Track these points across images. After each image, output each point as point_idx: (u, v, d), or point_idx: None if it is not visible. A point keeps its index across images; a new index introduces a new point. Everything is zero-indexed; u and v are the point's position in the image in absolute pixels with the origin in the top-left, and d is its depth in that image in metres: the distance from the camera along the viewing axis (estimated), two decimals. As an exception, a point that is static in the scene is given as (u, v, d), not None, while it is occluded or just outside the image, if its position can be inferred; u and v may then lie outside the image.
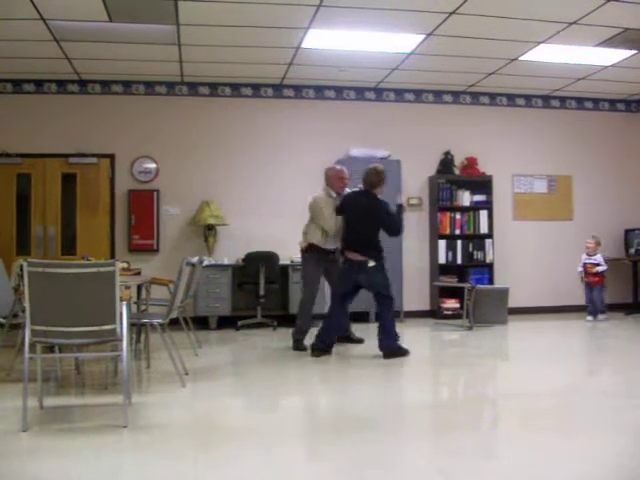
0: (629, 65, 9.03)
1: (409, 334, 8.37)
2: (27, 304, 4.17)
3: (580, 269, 9.78)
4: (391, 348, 6.77)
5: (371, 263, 6.78)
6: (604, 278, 9.76)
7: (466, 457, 3.66)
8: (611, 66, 9.10)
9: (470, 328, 8.78)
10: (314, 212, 7.27)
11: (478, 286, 9.29)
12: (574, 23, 7.46)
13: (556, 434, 4.08)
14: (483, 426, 4.56)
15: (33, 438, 3.98)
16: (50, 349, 5.35)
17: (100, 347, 5.30)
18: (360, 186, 7.16)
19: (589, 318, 9.59)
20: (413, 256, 10.16)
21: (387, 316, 6.91)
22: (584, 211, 10.87)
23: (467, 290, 9.08)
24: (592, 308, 9.64)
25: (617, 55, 8.62)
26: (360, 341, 7.59)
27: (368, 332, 7.88)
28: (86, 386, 5.62)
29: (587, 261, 9.74)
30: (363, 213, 6.89)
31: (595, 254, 9.73)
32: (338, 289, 7.16)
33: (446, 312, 9.76)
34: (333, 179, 7.40)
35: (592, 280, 9.68)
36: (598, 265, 9.65)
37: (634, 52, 8.46)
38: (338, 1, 6.83)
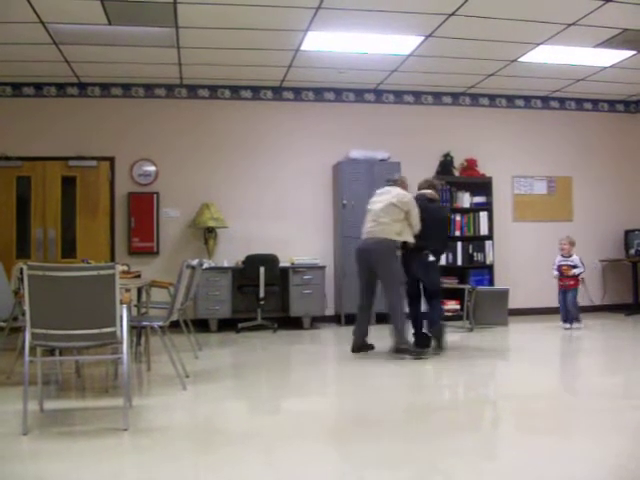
0: (628, 66, 9.03)
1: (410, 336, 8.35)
2: (27, 307, 4.17)
3: (555, 272, 9.07)
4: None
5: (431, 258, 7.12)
6: (579, 281, 9.11)
7: (466, 458, 3.66)
8: (610, 67, 9.11)
9: (471, 330, 8.78)
10: (412, 210, 7.01)
11: (478, 287, 9.30)
12: (573, 24, 7.46)
13: (555, 435, 4.08)
14: (483, 427, 4.56)
15: (34, 441, 3.97)
16: (50, 352, 5.35)
17: (100, 350, 5.29)
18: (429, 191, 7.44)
19: (567, 325, 8.87)
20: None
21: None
22: (584, 212, 10.87)
23: (467, 291, 9.08)
24: (567, 314, 8.94)
25: (616, 56, 8.63)
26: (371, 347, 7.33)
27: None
28: (86, 389, 5.62)
29: (563, 263, 9.04)
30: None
31: (571, 255, 9.04)
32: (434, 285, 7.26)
33: (447, 313, 9.72)
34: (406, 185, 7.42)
35: (567, 283, 8.98)
36: (575, 267, 8.95)
37: (633, 53, 8.47)
38: (337, 3, 6.84)
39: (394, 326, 6.88)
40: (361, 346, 7.15)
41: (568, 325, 8.86)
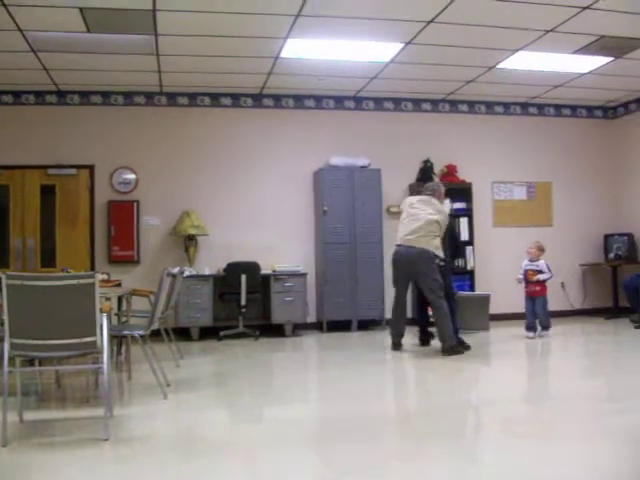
0: (606, 72, 9.12)
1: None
2: (6, 317, 4.13)
3: (520, 276, 8.73)
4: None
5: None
6: (546, 288, 8.69)
7: (450, 463, 3.66)
8: (588, 73, 9.18)
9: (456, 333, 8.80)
10: (445, 226, 7.65)
11: (459, 293, 9.31)
12: (551, 31, 7.52)
13: (539, 439, 4.09)
14: (466, 432, 4.56)
15: (13, 453, 3.93)
16: (30, 362, 5.30)
17: (81, 359, 5.25)
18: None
19: (530, 334, 8.53)
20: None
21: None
22: (563, 217, 10.94)
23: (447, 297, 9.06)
24: (532, 322, 8.59)
25: (594, 62, 8.70)
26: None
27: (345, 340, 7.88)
28: (67, 399, 5.57)
29: (528, 267, 8.68)
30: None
31: (538, 260, 8.68)
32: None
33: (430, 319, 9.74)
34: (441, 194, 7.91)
35: (533, 289, 8.63)
36: (540, 272, 8.58)
37: (610, 59, 8.55)
38: (316, 11, 6.85)
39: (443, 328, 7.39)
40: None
41: (532, 334, 8.52)
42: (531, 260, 8.73)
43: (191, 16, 6.91)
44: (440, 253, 7.47)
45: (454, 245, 8.23)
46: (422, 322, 8.16)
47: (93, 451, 3.95)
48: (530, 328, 8.59)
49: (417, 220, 7.44)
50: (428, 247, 7.35)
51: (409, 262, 7.43)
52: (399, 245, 7.57)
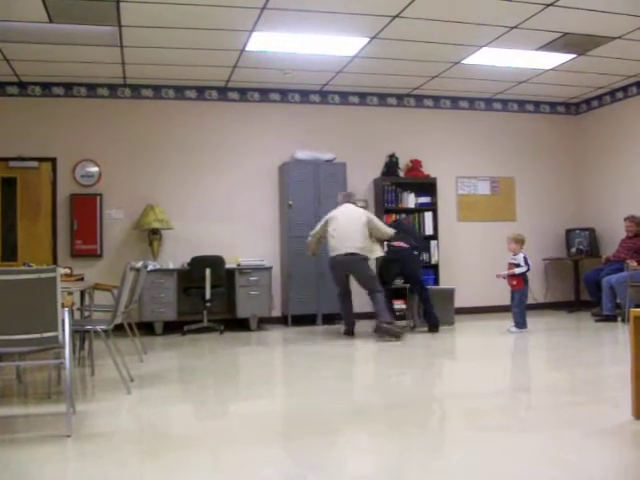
0: (569, 69, 9.23)
1: (358, 336, 8.40)
2: (-35, 312, 4.06)
3: (503, 272, 8.58)
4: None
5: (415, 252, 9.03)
6: (523, 282, 8.46)
7: (415, 457, 3.68)
8: (551, 70, 9.28)
9: (413, 328, 8.85)
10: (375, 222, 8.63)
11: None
12: (515, 27, 7.58)
13: (503, 432, 4.13)
14: (431, 425, 4.58)
15: (-27, 450, 3.87)
16: (-10, 358, 5.22)
17: (42, 355, 5.19)
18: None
19: (513, 329, 8.45)
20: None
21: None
22: (526, 212, 11.06)
23: (409, 291, 9.13)
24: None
25: (557, 59, 8.80)
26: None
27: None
28: (28, 395, 5.49)
29: (510, 261, 8.50)
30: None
31: (517, 254, 8.44)
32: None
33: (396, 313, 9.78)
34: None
35: (512, 283, 8.46)
36: (518, 266, 8.38)
37: (573, 56, 8.65)
38: (282, 4, 6.83)
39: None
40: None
41: (515, 329, 8.42)
42: (513, 254, 8.50)
43: (155, 7, 6.84)
44: (377, 253, 8.45)
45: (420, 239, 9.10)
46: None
47: (55, 448, 3.90)
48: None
49: (349, 230, 8.27)
50: (366, 252, 8.28)
51: (346, 269, 8.39)
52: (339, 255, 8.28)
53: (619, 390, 4.75)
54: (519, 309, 8.48)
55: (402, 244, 8.75)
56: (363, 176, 10.33)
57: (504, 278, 8.59)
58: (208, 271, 8.90)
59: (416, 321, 8.94)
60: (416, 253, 9.01)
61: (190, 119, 9.88)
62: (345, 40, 8.06)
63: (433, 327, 8.62)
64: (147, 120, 9.73)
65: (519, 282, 8.46)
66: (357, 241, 8.21)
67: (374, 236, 8.49)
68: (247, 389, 5.88)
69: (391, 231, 8.67)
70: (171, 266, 9.29)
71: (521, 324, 8.44)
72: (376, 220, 8.60)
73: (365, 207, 9.46)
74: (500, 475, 3.35)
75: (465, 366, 6.79)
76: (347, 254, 8.18)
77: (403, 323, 9.03)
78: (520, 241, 8.55)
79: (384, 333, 8.05)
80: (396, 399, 5.24)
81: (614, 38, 7.96)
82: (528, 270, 8.47)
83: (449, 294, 9.41)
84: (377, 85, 10.11)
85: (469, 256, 10.71)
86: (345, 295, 8.60)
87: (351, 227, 8.27)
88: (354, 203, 8.67)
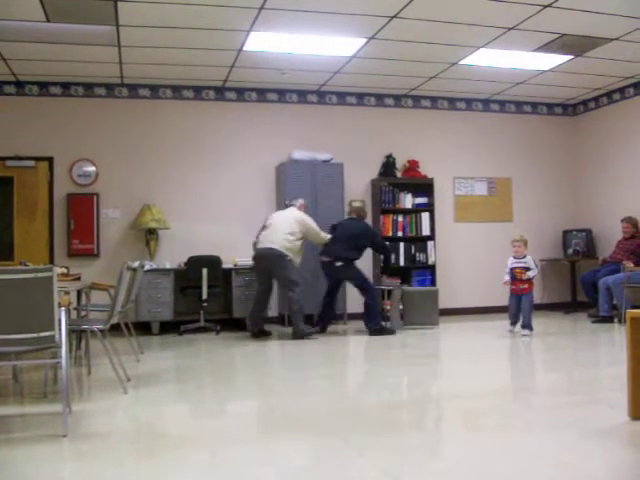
0: (566, 70, 9.24)
1: (358, 336, 8.40)
2: (-38, 312, 4.05)
3: (507, 276, 8.28)
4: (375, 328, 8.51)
5: (338, 263, 8.63)
6: (533, 285, 8.33)
7: (411, 457, 3.67)
8: (549, 71, 9.30)
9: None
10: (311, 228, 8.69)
11: (404, 288, 9.33)
12: (513, 28, 7.59)
13: (500, 432, 4.13)
14: (427, 426, 4.58)
15: (-31, 450, 3.86)
16: (-14, 357, 5.21)
17: (39, 354, 5.18)
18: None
19: (511, 328, 8.40)
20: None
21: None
22: (523, 213, 11.07)
23: (387, 292, 9.12)
24: (516, 317, 8.33)
25: (554, 60, 8.81)
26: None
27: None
28: (25, 395, 5.48)
29: (516, 265, 8.19)
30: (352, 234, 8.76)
31: (524, 256, 8.21)
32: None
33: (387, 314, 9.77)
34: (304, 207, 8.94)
35: (521, 287, 8.18)
36: (528, 270, 8.15)
37: (570, 57, 8.66)
38: (279, 4, 6.83)
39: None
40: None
41: (512, 328, 8.37)
42: (516, 257, 8.24)
43: (153, 7, 6.84)
44: (296, 260, 8.48)
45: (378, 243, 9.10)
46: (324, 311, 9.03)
47: (51, 447, 3.89)
48: (514, 323, 8.38)
49: (282, 226, 8.45)
50: (287, 252, 8.35)
51: (265, 263, 8.52)
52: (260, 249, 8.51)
53: (616, 391, 4.76)
54: (531, 311, 8.24)
55: (323, 258, 8.76)
56: (360, 176, 10.33)
57: (508, 285, 8.31)
58: (205, 271, 8.89)
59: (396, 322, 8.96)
60: (340, 264, 8.62)
61: (187, 119, 9.88)
62: (343, 40, 8.06)
63: (323, 329, 8.92)
64: (144, 120, 9.73)
65: (530, 285, 8.26)
66: (282, 239, 8.34)
67: (309, 240, 8.66)
68: (244, 389, 5.87)
69: (326, 236, 8.73)
70: (168, 266, 9.28)
71: (531, 327, 8.23)
72: (311, 224, 8.60)
73: (362, 207, 9.44)
74: (498, 476, 3.35)
75: (461, 367, 6.77)
76: (267, 248, 8.36)
77: (388, 324, 8.98)
78: (526, 243, 8.38)
79: (300, 337, 8.33)
80: (392, 399, 5.23)
81: (611, 39, 7.98)
82: (538, 272, 8.39)
83: (433, 295, 9.38)
84: (374, 85, 10.12)
85: (466, 257, 10.71)
86: (261, 293, 8.67)
87: (279, 225, 8.44)
88: (294, 206, 8.81)
